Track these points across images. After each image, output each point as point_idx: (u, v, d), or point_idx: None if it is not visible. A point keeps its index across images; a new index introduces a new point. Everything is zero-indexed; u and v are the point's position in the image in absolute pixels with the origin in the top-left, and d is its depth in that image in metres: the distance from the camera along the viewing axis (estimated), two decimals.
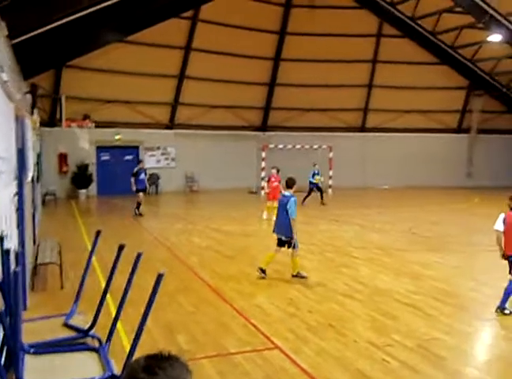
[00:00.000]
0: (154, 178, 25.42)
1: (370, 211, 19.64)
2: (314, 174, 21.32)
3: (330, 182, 26.06)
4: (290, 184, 9.59)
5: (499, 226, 7.67)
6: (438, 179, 28.72)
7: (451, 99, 29.53)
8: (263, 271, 9.45)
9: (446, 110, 29.83)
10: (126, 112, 24.74)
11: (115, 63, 23.14)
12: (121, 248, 3.81)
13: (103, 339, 3.52)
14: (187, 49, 24.83)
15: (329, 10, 25.61)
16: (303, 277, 9.38)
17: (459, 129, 30.47)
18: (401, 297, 8.39)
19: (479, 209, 20.27)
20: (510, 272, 7.60)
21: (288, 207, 9.16)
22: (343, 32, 26.23)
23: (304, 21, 25.59)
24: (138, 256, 3.45)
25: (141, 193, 17.30)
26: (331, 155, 26.06)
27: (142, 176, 17.57)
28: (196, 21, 24.27)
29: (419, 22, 26.45)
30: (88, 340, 3.52)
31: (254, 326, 7.03)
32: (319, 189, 21.29)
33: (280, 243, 9.44)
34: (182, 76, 25.38)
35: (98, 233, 4.40)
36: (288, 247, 9.37)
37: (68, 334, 3.53)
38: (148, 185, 17.76)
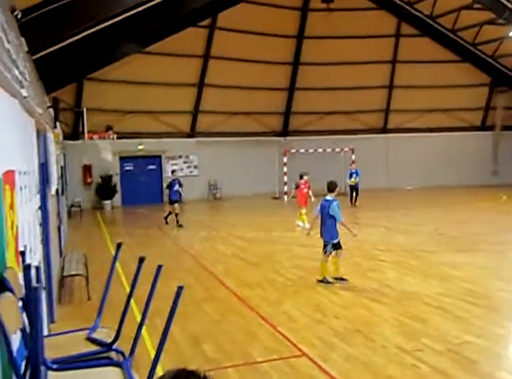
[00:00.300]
0: None
1: (395, 212, 19.41)
2: (351, 175, 21.26)
3: None
4: (331, 188, 9.44)
5: None
6: (463, 178, 28.29)
7: (474, 97, 29.12)
8: (341, 279, 9.35)
9: (469, 108, 29.41)
10: (148, 122, 24.94)
11: (135, 74, 23.38)
12: (141, 260, 3.79)
13: (127, 353, 3.50)
14: (206, 57, 24.95)
15: (345, 12, 25.47)
16: (328, 282, 9.28)
17: (483, 127, 30.02)
18: (430, 300, 8.24)
19: (506, 207, 19.91)
20: None
21: (331, 212, 9.07)
22: (361, 34, 26.10)
23: (321, 25, 25.51)
24: (159, 268, 3.42)
25: (176, 204, 17.18)
26: (353, 157, 25.86)
27: (176, 187, 17.36)
28: (213, 29, 24.38)
29: (437, 20, 26.20)
30: (112, 354, 3.51)
31: (281, 333, 6.97)
32: (355, 190, 21.25)
33: (334, 248, 9.38)
34: (201, 85, 25.50)
35: (119, 245, 4.39)
36: (336, 249, 9.35)
37: (91, 348, 3.53)
38: (181, 195, 17.79)
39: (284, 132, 28.23)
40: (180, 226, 16.90)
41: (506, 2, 21.89)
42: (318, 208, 9.51)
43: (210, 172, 25.97)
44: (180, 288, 2.81)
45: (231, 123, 26.64)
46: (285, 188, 24.90)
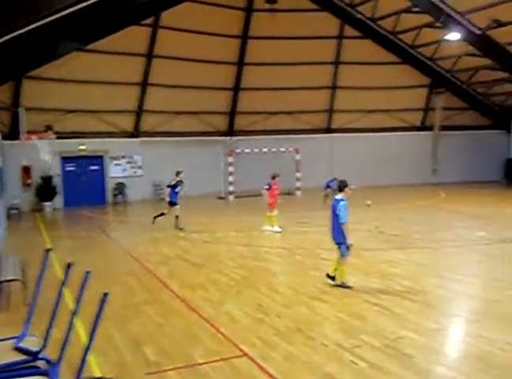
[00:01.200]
0: (121, 188, 25.13)
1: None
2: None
3: (298, 184, 26.15)
4: (342, 187, 9.04)
5: None
6: (404, 177, 29.09)
7: (414, 98, 29.97)
8: (341, 286, 9.02)
9: (410, 109, 30.25)
10: (90, 121, 24.39)
11: (77, 72, 22.79)
12: (69, 266, 3.70)
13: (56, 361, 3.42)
14: (149, 56, 24.63)
15: (290, 13, 25.70)
16: (347, 287, 8.93)
17: (423, 127, 30.92)
18: (369, 297, 8.45)
19: (444, 205, 20.60)
20: None
21: (337, 211, 8.81)
22: (305, 35, 26.38)
23: (266, 25, 25.65)
24: (86, 275, 3.35)
25: (177, 207, 16.38)
26: (298, 157, 26.15)
27: (178, 189, 16.61)
28: (157, 28, 24.09)
29: (379, 23, 26.79)
30: (40, 363, 3.41)
31: (223, 334, 6.98)
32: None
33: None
34: (145, 84, 25.16)
35: (48, 250, 4.27)
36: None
37: (19, 357, 3.42)
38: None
39: (229, 132, 28.23)
40: (181, 229, 16.02)
41: (442, 6, 22.62)
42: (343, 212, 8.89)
43: (155, 172, 25.65)
44: (105, 295, 2.77)
45: (176, 123, 26.41)
46: (230, 188, 24.91)
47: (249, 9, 25.77)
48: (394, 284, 9.16)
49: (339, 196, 8.99)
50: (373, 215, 18.24)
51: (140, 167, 25.93)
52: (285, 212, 20.01)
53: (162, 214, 16.60)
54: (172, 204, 16.36)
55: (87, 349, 2.93)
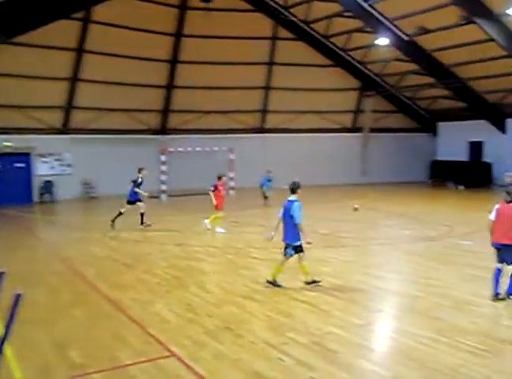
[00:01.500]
0: (48, 186, 24.29)
1: (272, 210, 19.91)
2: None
3: (232, 184, 26.22)
4: (294, 188, 9.08)
5: (492, 216, 8.27)
6: (336, 177, 29.74)
7: (345, 100, 30.72)
8: (314, 282, 8.99)
9: (341, 111, 30.97)
10: (16, 117, 23.41)
11: (3, 66, 21.86)
12: None
13: None
14: (80, 51, 23.95)
15: (224, 13, 25.70)
16: (315, 282, 8.97)
17: (353, 129, 31.74)
18: (298, 295, 8.61)
19: (373, 204, 21.23)
20: (497, 261, 8.07)
21: (291, 212, 8.82)
22: (239, 35, 26.47)
23: (200, 24, 25.54)
24: (1, 276, 3.25)
25: (142, 203, 16.13)
26: (232, 156, 26.23)
27: (141, 186, 16.22)
28: (88, 22, 23.48)
29: (312, 26, 27.27)
30: None
31: (151, 335, 6.92)
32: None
33: (295, 251, 9.02)
34: (75, 79, 24.45)
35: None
36: (298, 252, 8.97)
37: None
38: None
39: (163, 130, 27.92)
40: (148, 225, 15.78)
41: (372, 11, 23.31)
42: (281, 210, 9.08)
43: (85, 171, 24.96)
44: (18, 295, 2.69)
45: (108, 120, 25.83)
46: (163, 187, 24.64)
47: (183, 7, 25.58)
48: (323, 282, 9.36)
49: (292, 197, 9.01)
50: (304, 214, 18.50)
51: (69, 165, 25.15)
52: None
53: (120, 214, 16.01)
54: (132, 202, 16.01)
55: None
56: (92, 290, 9.19)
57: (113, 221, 15.76)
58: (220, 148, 26.21)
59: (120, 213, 15.92)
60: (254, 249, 12.59)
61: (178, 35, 26.12)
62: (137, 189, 16.07)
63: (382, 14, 23.54)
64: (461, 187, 27.12)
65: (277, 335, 6.81)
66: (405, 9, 22.67)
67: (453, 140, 30.81)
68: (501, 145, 27.89)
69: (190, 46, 26.32)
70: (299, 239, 8.93)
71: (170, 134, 27.74)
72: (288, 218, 8.90)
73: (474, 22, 21.00)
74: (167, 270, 10.55)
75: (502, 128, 28.11)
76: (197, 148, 25.64)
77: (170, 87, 27.23)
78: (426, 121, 32.47)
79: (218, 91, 27.40)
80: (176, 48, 26.43)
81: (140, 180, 16.18)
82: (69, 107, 24.98)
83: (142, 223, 15.92)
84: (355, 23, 24.94)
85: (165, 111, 27.73)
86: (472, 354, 6.07)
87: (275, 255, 11.85)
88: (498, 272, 7.99)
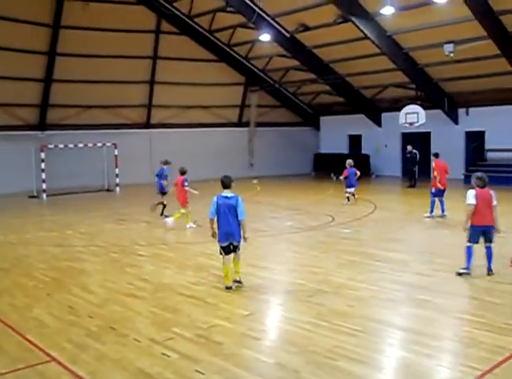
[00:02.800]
0: None
1: (158, 206, 19.66)
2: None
3: (117, 180, 25.54)
4: (227, 183, 8.43)
5: (472, 200, 8.67)
6: (223, 171, 29.25)
7: (231, 95, 30.99)
8: (233, 285, 8.48)
9: (227, 105, 31.22)
10: None
11: None
12: None
13: None
14: None
15: (105, 5, 24.86)
16: (239, 282, 8.57)
17: (240, 123, 32.14)
18: (184, 289, 8.59)
19: (259, 197, 21.67)
20: (485, 241, 8.82)
21: (238, 207, 8.24)
22: (121, 27, 25.75)
23: (80, 15, 24.47)
24: None
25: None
26: (116, 152, 25.53)
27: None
28: None
29: (195, 20, 27.19)
30: None
31: (29, 341, 6.57)
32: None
33: (229, 250, 8.44)
34: None
35: None
36: (235, 251, 8.49)
37: None
38: None
39: (41, 126, 26.47)
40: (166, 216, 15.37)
41: (254, 7, 23.67)
42: (214, 207, 8.32)
43: None
44: None
45: None
46: (43, 185, 23.39)
47: None
48: (208, 275, 9.43)
49: (229, 193, 8.39)
50: (192, 209, 18.48)
51: None
52: (103, 209, 19.50)
53: (164, 205, 16.30)
54: (165, 193, 16.32)
55: None
56: None
57: (162, 214, 16.05)
58: (103, 144, 25.39)
59: (164, 205, 16.24)
60: (139, 246, 12.37)
61: (55, 26, 24.86)
62: (163, 181, 16.42)
63: (263, 11, 23.98)
64: (341, 178, 28.38)
65: (162, 331, 6.75)
66: (286, 6, 23.31)
67: (334, 134, 32.26)
68: (377, 138, 29.67)
69: (69, 38, 25.10)
70: (241, 235, 8.45)
71: (49, 130, 26.39)
72: (232, 215, 8.27)
73: (350, 21, 22.05)
74: (47, 272, 10.05)
75: (378, 122, 29.85)
76: (80, 145, 24.65)
77: (48, 80, 25.87)
78: (309, 116, 33.68)
79: (100, 85, 26.50)
80: (54, 40, 25.14)
81: (164, 172, 16.62)
82: None
83: (162, 214, 16.16)
84: (239, 18, 25.21)
85: (43, 106, 26.32)
86: (348, 335, 6.40)
87: (161, 251, 11.80)
88: (471, 249, 8.86)
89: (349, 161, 18.89)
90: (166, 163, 16.97)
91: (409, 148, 24.58)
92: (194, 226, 14.56)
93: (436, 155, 15.84)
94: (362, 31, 22.36)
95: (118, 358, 5.95)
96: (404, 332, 6.59)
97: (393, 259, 10.42)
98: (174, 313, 7.47)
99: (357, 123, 30.55)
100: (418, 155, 24.38)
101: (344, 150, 31.54)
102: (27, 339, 6.63)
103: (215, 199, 8.42)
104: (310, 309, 7.43)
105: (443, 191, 14.99)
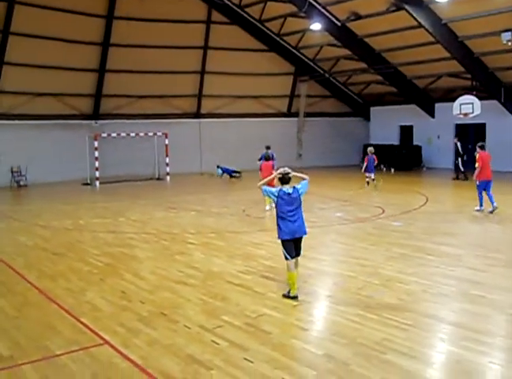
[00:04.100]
0: None
1: (207, 195, 19.93)
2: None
3: (168, 169, 25.95)
4: (287, 180, 7.84)
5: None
6: None
7: (280, 85, 30.88)
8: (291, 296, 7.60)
9: (276, 95, 31.14)
10: None
11: None
12: None
13: None
14: (5, 33, 22.86)
15: None
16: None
17: (289, 113, 32.01)
18: (232, 278, 8.67)
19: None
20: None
21: (302, 195, 7.77)
22: (173, 18, 26.07)
23: (132, 6, 24.97)
24: None
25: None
26: (167, 141, 25.92)
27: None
28: (13, 4, 22.43)
29: (246, 10, 27.18)
30: None
31: (83, 324, 6.79)
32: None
33: (296, 249, 7.74)
34: (0, 62, 23.32)
35: None
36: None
37: None
38: None
39: (95, 115, 27.17)
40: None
41: None
42: (279, 202, 7.73)
43: (13, 158, 24.00)
44: None
45: (36, 105, 24.88)
46: (96, 173, 24.05)
47: None
48: (257, 265, 9.47)
49: (286, 186, 7.80)
50: (240, 199, 18.63)
51: None
52: (154, 197, 19.87)
53: None
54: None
55: None
56: (20, 281, 8.90)
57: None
58: (154, 133, 25.83)
59: None
60: (189, 234, 12.55)
61: (109, 17, 25.38)
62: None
63: None
64: (392, 170, 27.94)
65: (211, 318, 6.84)
66: None
67: (384, 125, 31.68)
68: (429, 129, 28.96)
69: (122, 28, 25.67)
70: None
71: (103, 119, 27.05)
72: (299, 208, 7.79)
73: (404, 9, 21.55)
74: (100, 258, 10.34)
75: (431, 112, 29.12)
76: (131, 134, 25.17)
77: (102, 71, 26.48)
78: (359, 106, 33.18)
79: (152, 75, 26.94)
80: (108, 31, 25.69)
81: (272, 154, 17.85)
82: None
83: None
84: (289, 7, 25.03)
85: (97, 96, 26.98)
86: (398, 329, 6.31)
87: (210, 239, 11.92)
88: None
89: (370, 149, 20.96)
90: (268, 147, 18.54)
91: (455, 140, 24.06)
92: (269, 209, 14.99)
93: (482, 147, 14.91)
94: (416, 19, 21.79)
95: (169, 344, 6.07)
96: (456, 328, 6.44)
97: (444, 253, 10.19)
98: (223, 301, 7.55)
99: (409, 114, 29.88)
100: (460, 147, 23.29)
101: (395, 141, 30.94)
102: (81, 322, 6.85)
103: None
104: (359, 302, 7.37)
105: (488, 183, 14.36)
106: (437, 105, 28.86)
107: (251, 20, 27.81)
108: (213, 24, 27.74)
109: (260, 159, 17.30)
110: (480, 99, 23.93)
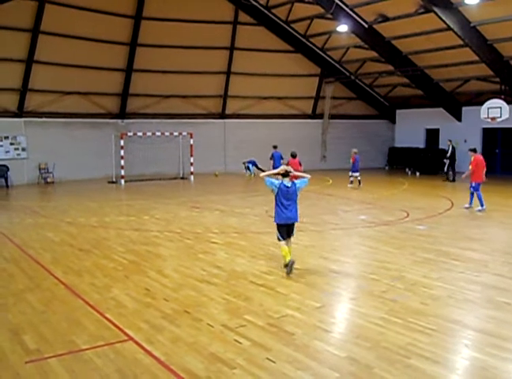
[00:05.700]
0: (3, 170, 23.62)
1: (231, 196, 20.00)
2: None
3: (192, 169, 26.11)
4: (287, 175, 9.18)
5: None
6: None
7: (305, 86, 30.82)
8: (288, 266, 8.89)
9: (301, 97, 31.08)
10: None
11: None
12: None
13: None
14: (35, 32, 23.26)
15: None
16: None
17: (314, 115, 31.93)
18: (255, 278, 8.70)
19: (330, 190, 21.51)
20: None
21: (298, 190, 9.12)
22: (200, 19, 26.22)
23: (160, 6, 25.18)
24: None
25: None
26: (192, 141, 26.08)
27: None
28: (44, 3, 22.80)
29: (273, 11, 27.19)
30: None
31: (108, 320, 6.89)
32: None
33: (288, 232, 9.26)
34: (30, 61, 23.74)
35: None
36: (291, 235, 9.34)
37: None
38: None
39: (121, 114, 27.47)
40: None
41: None
42: (279, 192, 9.07)
43: (41, 155, 24.43)
44: None
45: (64, 103, 25.28)
46: (122, 172, 24.32)
47: None
48: (280, 265, 9.46)
49: (288, 181, 9.12)
50: (264, 199, 18.62)
51: (24, 149, 24.52)
52: (178, 196, 20.02)
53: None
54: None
55: None
56: (47, 276, 9.06)
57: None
58: (179, 133, 26.02)
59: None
60: (212, 234, 12.62)
61: (137, 17, 25.65)
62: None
63: (342, 1, 23.63)
64: (417, 173, 27.67)
65: (234, 317, 6.88)
66: None
67: (410, 127, 31.38)
68: (456, 133, 28.57)
69: (150, 29, 25.90)
70: None
71: (129, 118, 27.35)
72: (295, 200, 9.17)
73: (432, 11, 21.33)
74: (125, 255, 10.47)
75: (458, 116, 28.77)
76: (157, 133, 25.40)
77: (129, 70, 26.78)
78: (384, 109, 32.92)
79: (178, 75, 27.15)
80: (136, 31, 25.97)
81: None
82: (24, 90, 24.28)
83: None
84: (316, 9, 24.97)
85: (124, 95, 27.28)
86: (422, 334, 6.27)
87: (233, 239, 11.97)
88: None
89: (354, 149, 22.68)
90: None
91: (448, 142, 25.48)
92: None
93: (474, 151, 16.72)
94: (444, 21, 21.53)
95: (193, 342, 6.13)
96: (482, 334, 6.37)
97: (470, 258, 10.08)
98: (246, 300, 7.58)
99: (435, 117, 29.54)
100: (450, 149, 24.97)
101: (421, 144, 30.62)
102: (106, 318, 6.95)
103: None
104: (383, 305, 7.33)
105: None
106: (464, 108, 28.49)
107: (278, 21, 27.79)
108: (240, 25, 27.80)
109: (271, 158, 18.95)
110: (509, 103, 23.56)
